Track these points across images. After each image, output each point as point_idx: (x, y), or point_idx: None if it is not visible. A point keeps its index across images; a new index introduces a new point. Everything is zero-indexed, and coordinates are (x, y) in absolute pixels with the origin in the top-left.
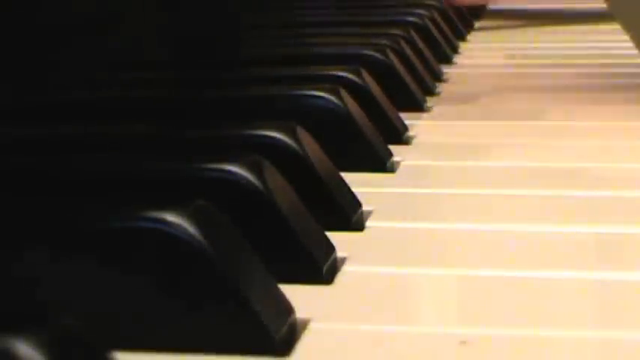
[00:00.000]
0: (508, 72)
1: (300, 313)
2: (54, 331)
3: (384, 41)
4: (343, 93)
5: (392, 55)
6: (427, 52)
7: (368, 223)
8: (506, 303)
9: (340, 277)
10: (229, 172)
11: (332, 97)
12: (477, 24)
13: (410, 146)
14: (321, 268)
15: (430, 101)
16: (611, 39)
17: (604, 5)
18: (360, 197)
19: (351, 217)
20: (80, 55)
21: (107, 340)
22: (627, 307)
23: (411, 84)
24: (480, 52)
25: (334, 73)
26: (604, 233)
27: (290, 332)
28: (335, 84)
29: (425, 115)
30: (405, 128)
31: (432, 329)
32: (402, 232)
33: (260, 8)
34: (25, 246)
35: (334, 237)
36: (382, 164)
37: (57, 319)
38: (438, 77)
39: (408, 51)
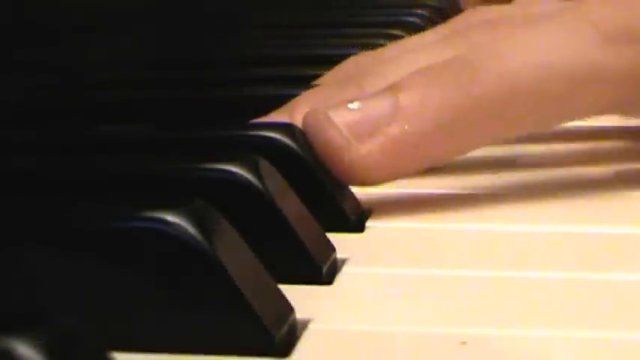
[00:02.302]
0: None
1: (300, 313)
2: (54, 331)
3: (384, 42)
4: None
5: None
6: None
7: (368, 224)
8: (507, 303)
9: (340, 278)
10: (229, 172)
11: None
12: None
13: None
14: (321, 269)
15: None
16: None
17: None
18: (359, 197)
19: (351, 218)
20: (79, 54)
21: (107, 340)
22: (628, 307)
23: None
24: None
25: None
26: (606, 234)
27: (290, 332)
28: None
29: None
30: None
31: (432, 329)
32: (403, 232)
33: (259, 9)
34: (24, 246)
35: (334, 237)
36: None
37: (57, 319)
38: None
39: None
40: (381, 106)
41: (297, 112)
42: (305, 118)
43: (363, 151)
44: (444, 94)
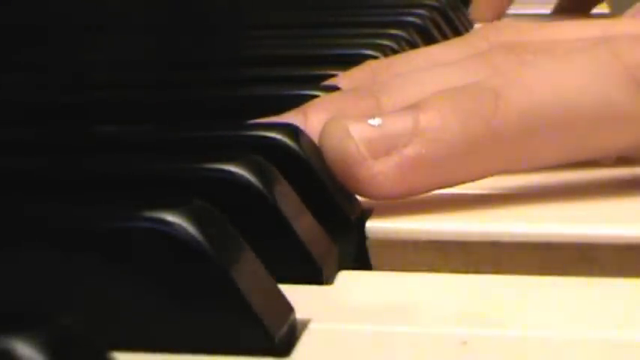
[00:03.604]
0: None
1: (300, 313)
2: (54, 331)
3: (384, 42)
4: None
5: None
6: None
7: (368, 224)
8: (508, 303)
9: (340, 277)
10: (229, 172)
11: None
12: (476, 25)
13: None
14: (322, 269)
15: None
16: None
17: (606, 9)
18: (360, 197)
19: (352, 218)
20: (78, 55)
21: (107, 340)
22: (629, 308)
23: None
24: None
25: (334, 73)
26: (607, 235)
27: (290, 332)
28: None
29: None
30: None
31: (433, 329)
32: (403, 233)
33: (259, 9)
34: (23, 246)
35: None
36: None
37: (57, 319)
38: None
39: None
40: (400, 125)
41: (311, 115)
42: (325, 127)
43: (376, 169)
44: (465, 122)
